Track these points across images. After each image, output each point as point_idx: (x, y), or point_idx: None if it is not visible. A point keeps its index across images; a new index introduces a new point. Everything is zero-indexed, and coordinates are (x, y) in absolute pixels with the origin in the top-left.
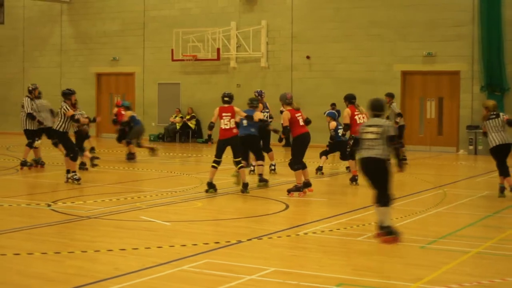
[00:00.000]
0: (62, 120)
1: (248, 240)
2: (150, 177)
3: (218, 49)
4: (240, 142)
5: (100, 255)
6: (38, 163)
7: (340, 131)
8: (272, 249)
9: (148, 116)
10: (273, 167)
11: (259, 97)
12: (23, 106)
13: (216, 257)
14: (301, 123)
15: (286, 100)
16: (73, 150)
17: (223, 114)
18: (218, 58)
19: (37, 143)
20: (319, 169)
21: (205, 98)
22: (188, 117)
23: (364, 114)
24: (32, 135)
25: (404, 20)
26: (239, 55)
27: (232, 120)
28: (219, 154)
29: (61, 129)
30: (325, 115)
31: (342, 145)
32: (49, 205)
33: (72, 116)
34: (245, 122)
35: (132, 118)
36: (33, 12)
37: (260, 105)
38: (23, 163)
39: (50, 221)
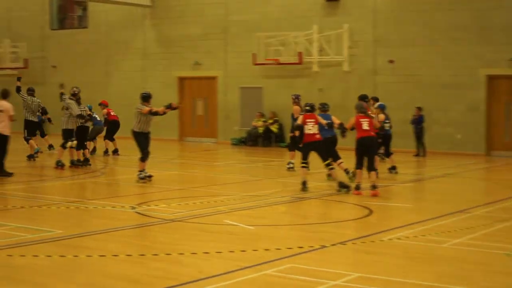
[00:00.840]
0: (138, 120)
1: (332, 245)
2: (233, 181)
3: (300, 53)
4: (324, 145)
5: (184, 258)
6: (74, 164)
7: (387, 125)
8: (356, 255)
9: (230, 120)
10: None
11: (296, 100)
12: (67, 108)
13: (299, 261)
14: (365, 127)
15: (361, 109)
16: (144, 151)
17: (307, 120)
18: (300, 62)
19: (70, 143)
20: (393, 168)
21: (287, 102)
22: (270, 121)
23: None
24: (69, 136)
25: (489, 23)
26: (321, 59)
27: (316, 126)
28: (305, 156)
29: (138, 130)
30: (375, 107)
31: (387, 139)
32: (133, 208)
33: (150, 111)
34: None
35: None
36: (115, 16)
37: (298, 108)
38: (60, 164)
39: (135, 223)
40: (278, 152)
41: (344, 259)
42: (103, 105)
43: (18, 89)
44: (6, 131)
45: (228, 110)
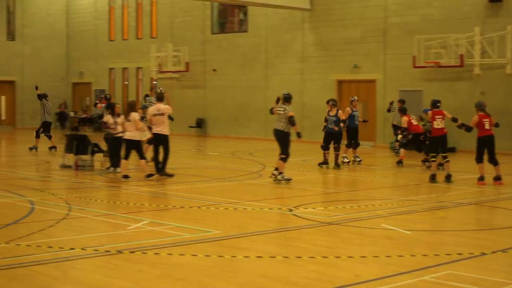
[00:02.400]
0: (284, 120)
1: (492, 252)
2: (391, 185)
3: (461, 56)
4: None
5: (340, 261)
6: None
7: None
8: None
9: (389, 123)
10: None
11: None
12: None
13: (459, 268)
14: (487, 126)
15: (480, 107)
16: (288, 151)
17: (436, 116)
18: (462, 65)
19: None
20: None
21: (448, 105)
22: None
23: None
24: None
25: None
26: (483, 62)
27: (443, 121)
28: (433, 150)
29: (286, 130)
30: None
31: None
32: (291, 210)
33: (291, 117)
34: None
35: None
36: (275, 20)
37: (348, 109)
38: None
39: (292, 225)
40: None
41: (505, 267)
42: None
43: (40, 97)
44: (166, 132)
45: (387, 113)
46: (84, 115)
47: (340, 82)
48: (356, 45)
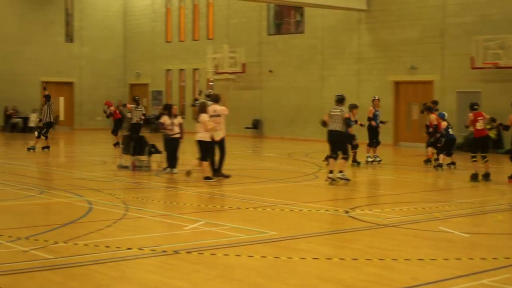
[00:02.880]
0: (339, 121)
1: None
2: (448, 187)
3: None
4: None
5: (397, 264)
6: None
7: (451, 130)
8: None
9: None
10: None
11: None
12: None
13: None
14: None
15: None
16: (347, 151)
17: (478, 118)
18: None
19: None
20: (439, 166)
21: (507, 107)
22: (488, 126)
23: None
24: None
25: None
26: None
27: (483, 122)
28: (476, 150)
29: (343, 131)
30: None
31: (452, 143)
32: (347, 212)
33: (347, 118)
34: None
35: None
36: (331, 21)
37: (371, 108)
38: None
39: (348, 227)
40: (496, 158)
41: None
42: None
43: (48, 97)
44: (222, 133)
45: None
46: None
47: (397, 84)
48: (413, 46)
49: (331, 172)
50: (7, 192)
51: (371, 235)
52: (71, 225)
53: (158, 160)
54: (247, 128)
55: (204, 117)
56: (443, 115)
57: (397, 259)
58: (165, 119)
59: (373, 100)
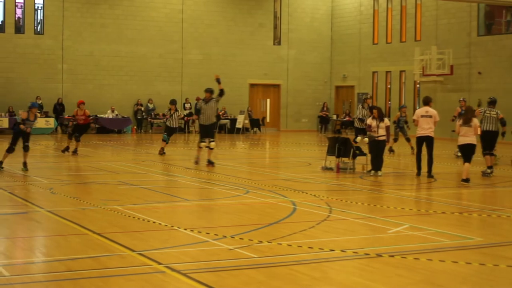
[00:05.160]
0: (495, 122)
1: None
2: None
3: None
4: None
5: None
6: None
7: None
8: None
9: None
10: None
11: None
12: None
13: None
14: None
15: None
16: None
17: None
18: None
19: None
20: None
21: None
22: None
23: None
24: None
25: None
26: None
27: None
28: None
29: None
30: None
31: None
32: None
33: (503, 118)
34: None
35: None
36: None
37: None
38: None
39: None
40: None
41: None
42: None
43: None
44: (432, 134)
45: None
46: (347, 118)
47: None
48: None
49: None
50: (215, 192)
51: None
52: (276, 225)
53: (363, 162)
54: (453, 131)
55: (475, 121)
56: None
57: None
58: (371, 121)
59: (400, 108)
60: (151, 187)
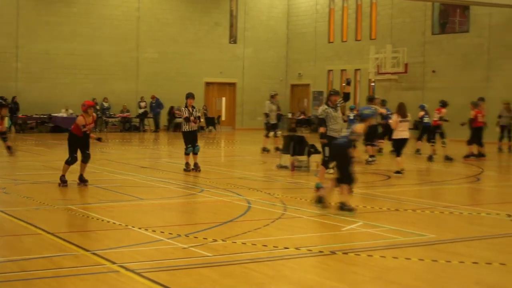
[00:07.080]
0: None
1: None
2: None
3: None
4: None
5: None
6: None
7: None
8: None
9: None
10: None
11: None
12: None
13: None
14: None
15: None
16: None
17: None
18: None
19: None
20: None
21: None
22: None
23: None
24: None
25: None
26: None
27: None
28: None
29: None
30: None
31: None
32: (509, 216)
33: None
34: None
35: None
36: (499, 19)
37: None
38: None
39: (511, 231)
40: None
41: None
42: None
43: None
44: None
45: None
46: (302, 117)
47: None
48: None
49: None
50: (170, 190)
51: None
52: (230, 223)
53: (317, 160)
54: (410, 129)
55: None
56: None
57: None
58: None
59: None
60: (105, 186)
